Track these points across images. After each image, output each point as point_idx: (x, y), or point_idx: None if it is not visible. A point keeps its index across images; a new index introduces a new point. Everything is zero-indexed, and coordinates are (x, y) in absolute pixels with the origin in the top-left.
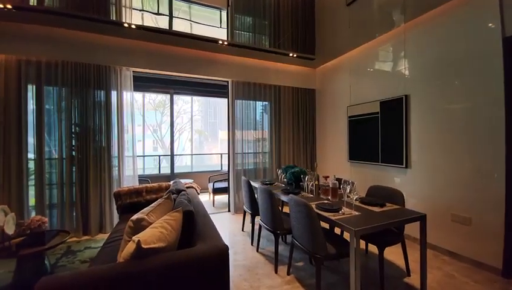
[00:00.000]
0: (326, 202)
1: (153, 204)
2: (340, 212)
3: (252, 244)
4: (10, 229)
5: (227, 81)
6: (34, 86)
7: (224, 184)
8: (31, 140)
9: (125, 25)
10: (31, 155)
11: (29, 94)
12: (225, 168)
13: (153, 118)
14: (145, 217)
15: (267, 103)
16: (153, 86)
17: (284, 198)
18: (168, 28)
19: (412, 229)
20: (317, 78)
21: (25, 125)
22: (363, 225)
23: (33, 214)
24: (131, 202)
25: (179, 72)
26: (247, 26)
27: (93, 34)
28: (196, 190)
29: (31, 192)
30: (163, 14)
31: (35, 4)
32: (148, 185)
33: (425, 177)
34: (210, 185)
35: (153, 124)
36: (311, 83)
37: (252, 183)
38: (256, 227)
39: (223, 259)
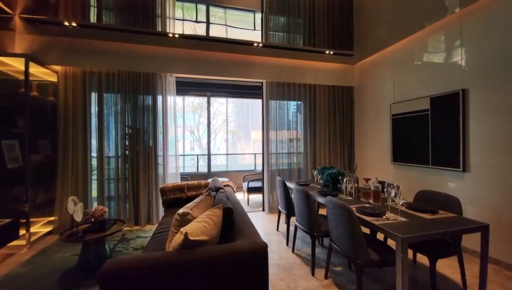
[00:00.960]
0: (367, 205)
1: (196, 200)
2: (384, 217)
3: (287, 244)
4: (78, 217)
5: (262, 82)
6: (96, 94)
7: (258, 184)
8: (94, 140)
9: (170, 34)
10: (93, 154)
11: (92, 100)
12: (259, 168)
13: (192, 119)
14: (190, 211)
15: (300, 102)
16: (191, 89)
17: (320, 200)
18: (205, 35)
19: (468, 241)
20: (355, 75)
21: (89, 128)
22: (411, 232)
23: (95, 204)
24: (175, 198)
25: (216, 76)
26: (280, 26)
27: (143, 45)
28: (232, 189)
29: (94, 185)
30: (202, 22)
31: (95, 22)
32: (189, 182)
33: (488, 183)
34: (244, 184)
35: (191, 125)
36: (349, 80)
37: (287, 184)
38: (292, 228)
39: (262, 256)
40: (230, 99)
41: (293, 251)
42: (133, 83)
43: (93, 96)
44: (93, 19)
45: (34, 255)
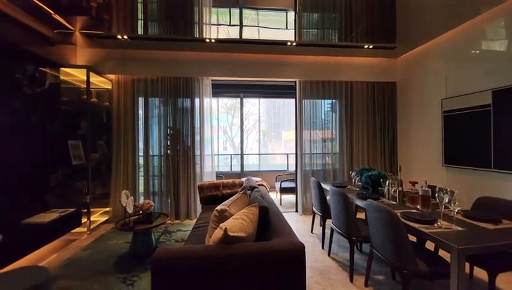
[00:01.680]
0: (414, 211)
1: (232, 198)
2: (436, 225)
3: (322, 247)
4: (130, 209)
5: (295, 82)
6: (142, 98)
7: (291, 184)
8: (140, 141)
9: (207, 40)
10: (140, 153)
11: (139, 105)
12: (291, 168)
13: (225, 120)
14: (227, 208)
15: (335, 100)
16: (225, 91)
17: (360, 203)
18: (239, 38)
19: None
20: (398, 69)
21: (136, 129)
22: (470, 243)
23: (142, 198)
24: (211, 195)
25: (249, 77)
26: (314, 23)
27: (182, 52)
28: (266, 188)
29: (141, 181)
30: (235, 25)
31: (142, 33)
32: (224, 181)
33: None
34: (277, 184)
35: (224, 126)
36: (391, 75)
37: (322, 185)
38: (327, 231)
39: (300, 256)
40: (262, 100)
41: (329, 255)
42: (174, 87)
43: (140, 101)
44: (140, 30)
45: (93, 241)
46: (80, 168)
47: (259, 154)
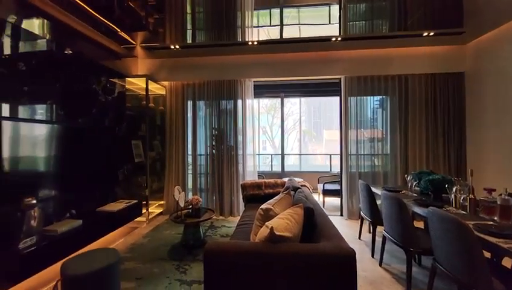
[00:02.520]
0: (491, 223)
1: (276, 197)
2: None
3: (372, 256)
4: (182, 203)
5: (340, 78)
6: (191, 102)
7: (335, 186)
8: (189, 140)
9: (249, 43)
10: (189, 152)
11: (188, 107)
12: (335, 169)
13: (265, 120)
14: (272, 207)
15: (385, 97)
16: (266, 91)
17: (418, 210)
18: (279, 38)
19: None
20: (467, 57)
21: (185, 130)
22: None
23: (190, 194)
24: (253, 194)
25: (291, 77)
26: (361, 15)
27: (226, 56)
28: (309, 189)
29: (189, 178)
30: (275, 25)
31: (191, 42)
32: (266, 180)
33: None
34: (319, 186)
35: (264, 126)
36: (457, 64)
37: (372, 189)
38: (378, 238)
39: (350, 262)
40: (302, 99)
41: (380, 265)
42: (218, 90)
43: (189, 104)
44: (189, 40)
45: (151, 230)
46: (140, 165)
47: (301, 154)
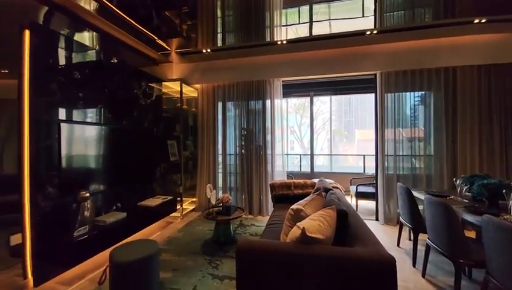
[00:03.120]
0: None
1: (307, 198)
2: None
3: (413, 265)
4: (213, 200)
5: (375, 74)
6: (221, 103)
7: (369, 189)
8: (219, 140)
9: (278, 42)
10: (219, 151)
11: (219, 108)
12: (369, 171)
13: (293, 120)
14: (303, 208)
15: (428, 92)
16: (294, 91)
17: (470, 218)
18: (309, 35)
19: None
20: None
21: (216, 130)
22: None
23: (220, 192)
24: (282, 194)
25: (321, 74)
26: (399, 4)
27: (255, 56)
28: (341, 191)
29: (220, 177)
30: (304, 23)
31: (221, 45)
32: (295, 181)
33: None
34: (352, 188)
35: (292, 126)
36: None
37: (414, 193)
38: (420, 247)
39: (390, 269)
40: (333, 98)
41: (423, 276)
42: (247, 91)
43: (219, 105)
44: (219, 43)
45: (184, 225)
46: (175, 163)
47: (331, 154)
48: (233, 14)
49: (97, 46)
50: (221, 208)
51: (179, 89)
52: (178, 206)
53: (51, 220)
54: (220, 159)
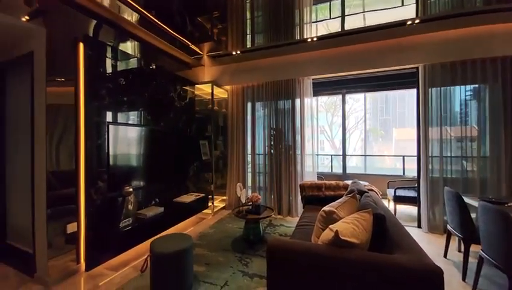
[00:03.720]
0: None
1: (340, 200)
2: None
3: (463, 279)
4: (243, 199)
5: (416, 68)
6: (250, 103)
7: (410, 193)
8: (249, 140)
9: (308, 40)
10: (249, 151)
11: (248, 109)
12: (409, 173)
13: (324, 119)
14: (335, 210)
15: (484, 85)
16: (325, 89)
17: None
18: (340, 30)
19: None
20: None
21: (245, 130)
22: None
23: (250, 192)
24: (313, 195)
25: (354, 71)
26: None
27: (284, 56)
28: (377, 194)
29: (249, 176)
30: (336, 17)
31: (250, 46)
32: (326, 181)
33: None
34: (390, 191)
35: (322, 125)
36: None
37: (465, 199)
38: (472, 259)
39: (436, 281)
40: (367, 95)
41: None
42: (276, 90)
43: (248, 106)
44: (249, 44)
45: (215, 222)
46: (206, 162)
47: (365, 155)
48: (262, 14)
49: (138, 54)
50: (250, 207)
51: (210, 91)
52: (209, 204)
53: (100, 211)
54: (249, 158)
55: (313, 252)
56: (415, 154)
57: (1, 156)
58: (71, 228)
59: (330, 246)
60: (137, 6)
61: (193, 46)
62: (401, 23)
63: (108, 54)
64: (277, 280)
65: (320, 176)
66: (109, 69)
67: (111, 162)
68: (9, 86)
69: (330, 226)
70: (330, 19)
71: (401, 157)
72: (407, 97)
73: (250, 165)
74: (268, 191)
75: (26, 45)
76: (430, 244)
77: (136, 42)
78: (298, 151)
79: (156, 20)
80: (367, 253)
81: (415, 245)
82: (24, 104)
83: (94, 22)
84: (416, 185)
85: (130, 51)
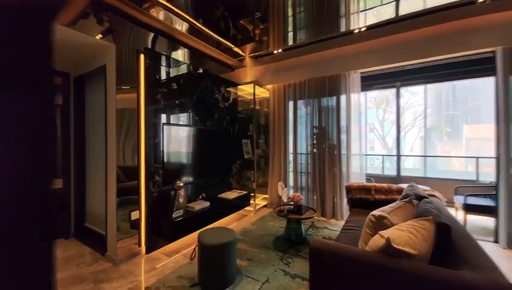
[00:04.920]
0: None
1: (392, 205)
2: None
3: None
4: (285, 198)
5: (493, 52)
6: (292, 101)
7: (485, 201)
8: (290, 139)
9: (356, 31)
10: (290, 150)
11: (290, 108)
12: (484, 178)
13: (374, 116)
14: (387, 216)
15: None
16: (376, 83)
17: None
18: (394, 16)
19: None
20: None
21: (287, 129)
22: None
23: (291, 192)
24: (360, 198)
25: (412, 60)
26: None
27: (328, 50)
28: (440, 200)
29: (290, 176)
30: (389, 2)
31: (292, 44)
32: (376, 184)
33: None
34: (458, 199)
35: (372, 123)
36: None
37: None
38: None
39: None
40: (428, 87)
41: None
42: (319, 87)
43: (290, 104)
44: (290, 41)
45: (257, 219)
46: (248, 161)
47: (426, 156)
48: (305, 9)
49: (187, 61)
50: (292, 207)
51: (252, 91)
52: (251, 201)
53: (157, 202)
54: (291, 158)
55: (361, 259)
56: (493, 155)
57: (83, 155)
58: (134, 215)
59: (380, 254)
60: (187, 16)
61: (236, 49)
62: (471, 2)
63: (163, 62)
64: (320, 283)
65: (370, 178)
66: (163, 76)
67: (165, 159)
68: (87, 95)
69: (380, 232)
70: (382, 5)
71: (474, 159)
72: (483, 87)
73: (292, 165)
74: (310, 192)
75: (99, 59)
76: (510, 262)
77: (185, 50)
78: (344, 151)
79: (202, 27)
80: (426, 266)
81: (489, 262)
82: (98, 110)
83: (152, 34)
84: (493, 193)
85: (180, 58)
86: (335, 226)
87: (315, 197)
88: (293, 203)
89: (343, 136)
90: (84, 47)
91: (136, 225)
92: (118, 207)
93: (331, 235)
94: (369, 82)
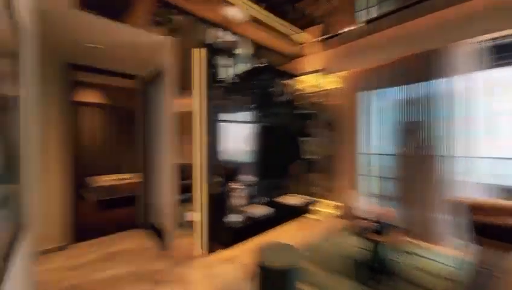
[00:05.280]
0: None
1: None
2: None
3: None
4: (359, 210)
5: None
6: (366, 91)
7: None
8: (363, 137)
9: None
10: (365, 150)
11: (364, 99)
12: None
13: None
14: None
15: None
16: (500, 57)
17: None
18: None
19: None
20: None
21: (359, 125)
22: None
23: (363, 201)
24: (490, 224)
25: None
26: None
27: (419, 19)
28: None
29: (366, 182)
30: None
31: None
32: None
33: None
34: None
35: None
36: None
37: None
38: None
39: None
40: None
41: None
42: (406, 71)
43: (364, 95)
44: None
45: (325, 232)
46: (309, 161)
47: None
48: None
49: (248, 55)
50: (375, 224)
51: (315, 83)
52: (315, 208)
53: (215, 203)
54: (367, 159)
55: None
56: None
57: (149, 154)
58: (192, 216)
59: None
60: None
61: (297, 35)
62: None
63: (223, 57)
64: None
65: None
66: (223, 72)
67: (224, 158)
68: (150, 96)
69: None
70: None
71: None
72: None
73: (368, 168)
74: (390, 202)
75: (159, 60)
76: None
77: (244, 44)
78: (446, 153)
79: (265, 12)
80: None
81: None
82: (160, 110)
83: (211, 30)
84: None
85: (241, 53)
86: (430, 253)
87: (401, 212)
88: (376, 219)
89: (446, 133)
90: (148, 48)
91: (192, 225)
92: (179, 204)
93: (429, 267)
94: (489, 56)
